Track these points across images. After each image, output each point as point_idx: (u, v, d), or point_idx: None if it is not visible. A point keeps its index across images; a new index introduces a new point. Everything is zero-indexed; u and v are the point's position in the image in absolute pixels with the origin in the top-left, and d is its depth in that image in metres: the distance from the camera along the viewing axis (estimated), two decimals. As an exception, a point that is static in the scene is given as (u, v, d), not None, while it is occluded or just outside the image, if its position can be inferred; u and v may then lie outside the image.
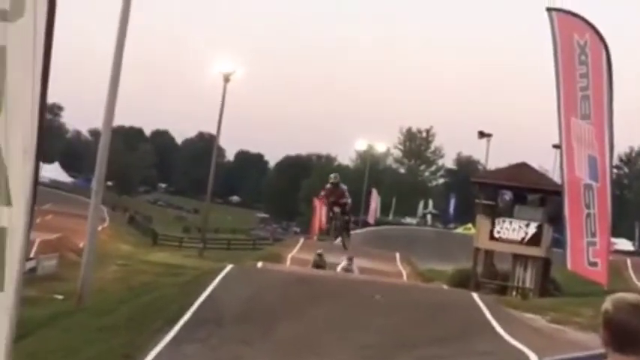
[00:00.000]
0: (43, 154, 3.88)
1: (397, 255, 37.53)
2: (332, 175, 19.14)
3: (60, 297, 19.37)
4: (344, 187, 18.58)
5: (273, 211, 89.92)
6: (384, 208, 72.89)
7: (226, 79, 41.69)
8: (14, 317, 3.68)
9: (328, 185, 18.46)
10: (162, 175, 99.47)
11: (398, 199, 78.74)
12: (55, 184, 68.12)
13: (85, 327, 13.15)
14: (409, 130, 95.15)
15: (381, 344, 12.05)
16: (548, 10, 19.57)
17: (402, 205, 79.72)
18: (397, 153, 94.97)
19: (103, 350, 11.42)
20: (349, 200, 18.72)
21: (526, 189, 26.25)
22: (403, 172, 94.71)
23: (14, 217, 3.65)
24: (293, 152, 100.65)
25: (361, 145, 73.99)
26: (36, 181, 3.81)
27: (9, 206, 3.61)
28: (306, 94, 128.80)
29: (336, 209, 18.28)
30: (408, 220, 77.82)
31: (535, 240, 24.80)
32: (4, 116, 3.52)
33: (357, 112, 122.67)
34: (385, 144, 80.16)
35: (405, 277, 30.10)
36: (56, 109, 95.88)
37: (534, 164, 29.34)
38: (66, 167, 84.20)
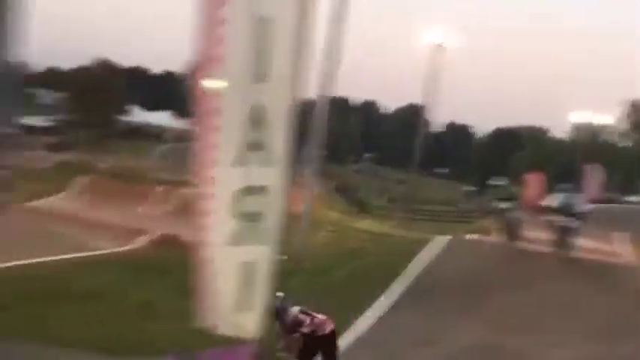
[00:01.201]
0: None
1: (623, 235, 34.86)
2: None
3: (284, 257, 20.67)
4: (292, 310, 8.01)
5: (481, 184, 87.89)
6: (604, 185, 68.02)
7: (438, 50, 41.23)
8: (273, 268, 4.04)
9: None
10: (368, 145, 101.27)
11: (622, 175, 73.02)
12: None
13: (306, 286, 13.93)
14: (634, 103, 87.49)
15: (606, 327, 11.39)
16: None
17: (627, 181, 73.90)
18: (620, 126, 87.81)
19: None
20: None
21: None
22: (626, 145, 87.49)
23: (275, 176, 3.99)
24: (503, 124, 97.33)
25: (578, 118, 69.50)
26: (291, 146, 4.12)
27: (272, 167, 3.95)
28: (519, 66, 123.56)
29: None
30: (633, 198, 71.97)
31: None
32: (270, 84, 3.84)
33: (572, 84, 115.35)
34: (605, 116, 74.45)
35: (633, 259, 27.95)
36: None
37: None
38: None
